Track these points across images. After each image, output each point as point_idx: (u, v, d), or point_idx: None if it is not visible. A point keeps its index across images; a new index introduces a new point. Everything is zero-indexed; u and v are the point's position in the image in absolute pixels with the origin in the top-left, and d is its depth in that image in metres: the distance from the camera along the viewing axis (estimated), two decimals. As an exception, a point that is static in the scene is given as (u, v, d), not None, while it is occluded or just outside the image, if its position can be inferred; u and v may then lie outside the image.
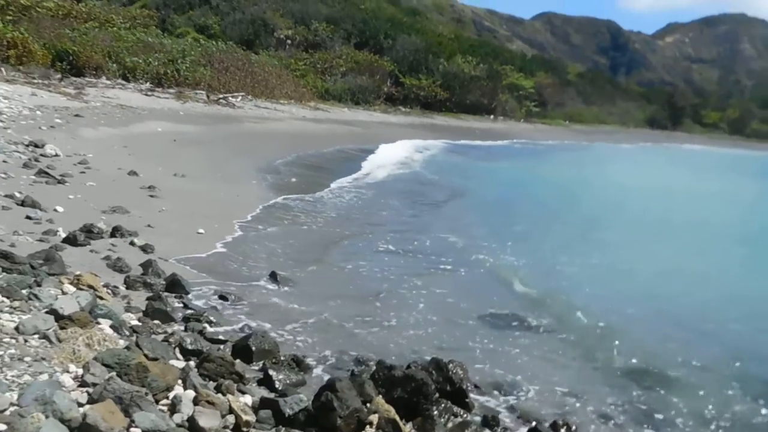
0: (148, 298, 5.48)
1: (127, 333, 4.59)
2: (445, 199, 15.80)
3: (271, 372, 4.34)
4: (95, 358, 3.81)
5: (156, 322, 5.01)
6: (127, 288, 5.70)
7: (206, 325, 5.11)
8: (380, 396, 4.18)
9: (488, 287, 8.07)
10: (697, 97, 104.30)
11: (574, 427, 4.42)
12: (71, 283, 5.10)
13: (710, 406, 5.24)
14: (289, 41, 53.87)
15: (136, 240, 7.27)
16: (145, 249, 7.11)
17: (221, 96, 30.29)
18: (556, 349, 6.14)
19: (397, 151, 25.12)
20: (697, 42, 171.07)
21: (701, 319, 7.74)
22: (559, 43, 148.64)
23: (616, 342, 6.45)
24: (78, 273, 5.45)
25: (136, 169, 11.78)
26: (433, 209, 14.24)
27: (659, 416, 4.98)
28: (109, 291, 5.39)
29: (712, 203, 21.17)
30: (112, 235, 7.35)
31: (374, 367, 4.77)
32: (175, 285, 5.94)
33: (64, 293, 4.89)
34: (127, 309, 5.13)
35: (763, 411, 5.34)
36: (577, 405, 4.94)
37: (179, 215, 9.24)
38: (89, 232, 7.11)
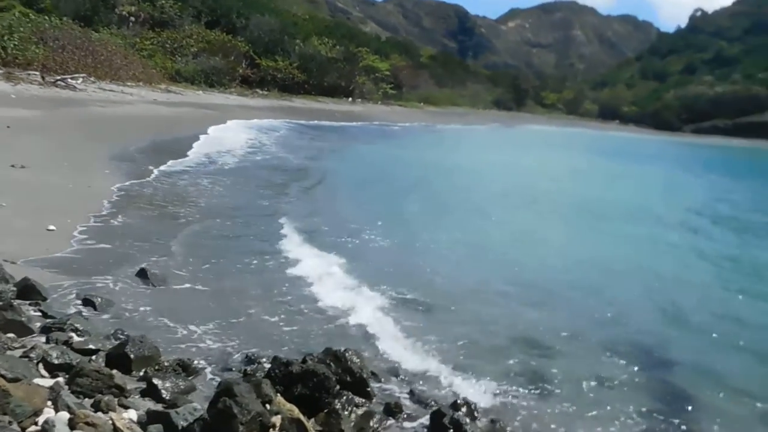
0: (-4, 309, 4.76)
1: (-25, 352, 3.93)
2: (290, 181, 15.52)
3: (155, 381, 3.94)
4: (-61, 387, 3.21)
5: (10, 335, 4.35)
6: (-33, 299, 4.91)
7: (72, 334, 4.54)
8: (279, 395, 3.97)
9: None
10: (538, 80, 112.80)
11: (473, 406, 4.50)
12: None
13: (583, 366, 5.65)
14: (132, 18, 49.92)
15: (-28, 242, 6.32)
16: (-16, 252, 6.19)
17: (59, 78, 27.43)
18: (433, 326, 6.27)
19: (242, 133, 24.34)
20: (536, 27, 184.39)
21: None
22: (410, 26, 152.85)
23: (492, 313, 6.75)
24: None
25: (-39, 160, 10.30)
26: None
27: (543, 382, 5.26)
28: (-55, 305, 4.60)
29: (567, 178, 23.08)
30: (-59, 237, 6.33)
31: (267, 365, 4.55)
32: (28, 291, 5.23)
33: None
34: (-30, 324, 4.41)
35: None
36: (472, 382, 5.07)
37: (23, 211, 8.18)
38: None
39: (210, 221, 9.67)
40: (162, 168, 14.08)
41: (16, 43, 28.96)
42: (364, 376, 4.45)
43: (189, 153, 16.97)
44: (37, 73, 27.20)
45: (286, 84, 52.11)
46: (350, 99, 58.34)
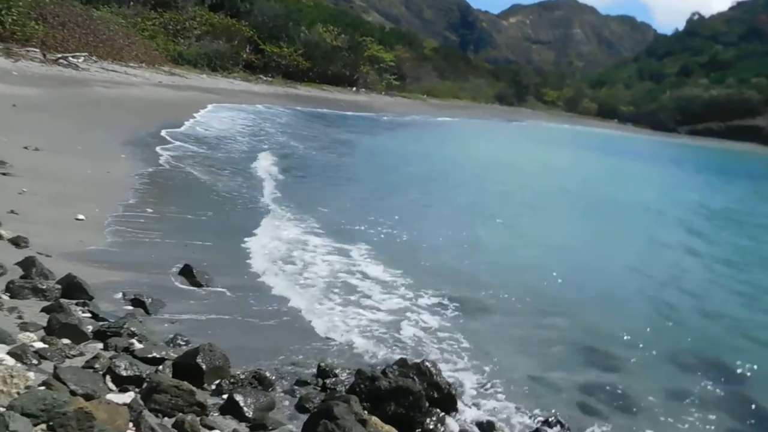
0: (45, 309, 4.34)
1: (35, 361, 3.52)
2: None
3: (236, 396, 3.55)
4: (10, 407, 2.81)
5: (66, 341, 3.94)
6: (11, 297, 4.48)
7: (133, 340, 4.13)
8: (368, 414, 3.60)
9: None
10: (538, 77, 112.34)
11: (566, 425, 4.16)
12: (-61, 297, 3.85)
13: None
14: (133, -2, 49.04)
15: (1, 231, 5.87)
16: (17, 242, 5.75)
17: (60, 56, 26.70)
18: (492, 334, 5.92)
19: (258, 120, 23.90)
20: (537, 24, 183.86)
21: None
22: (412, 18, 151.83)
23: (550, 319, 6.41)
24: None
25: (-27, 140, 9.79)
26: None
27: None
28: (-10, 303, 4.18)
29: (580, 177, 22.84)
30: (-31, 225, 5.88)
31: (344, 376, 4.18)
32: (74, 289, 4.81)
33: (-68, 312, 3.67)
34: (22, 326, 3.99)
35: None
36: (552, 398, 4.73)
37: (46, 198, 7.73)
38: (-62, 222, 5.61)
39: (238, 212, 9.25)
40: (177, 154, 13.62)
41: (15, 17, 28.10)
42: (453, 392, 4.10)
43: (205, 137, 16.53)
44: (37, 50, 26.43)
45: (290, 71, 51.37)
46: (354, 88, 57.68)
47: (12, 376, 3.13)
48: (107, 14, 38.97)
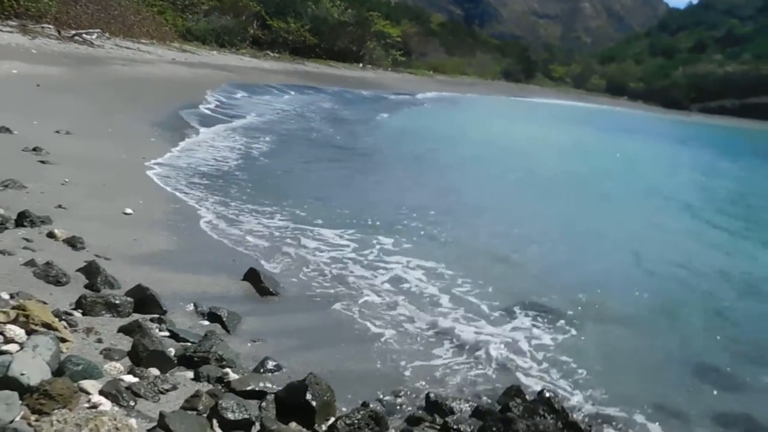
0: (122, 329, 3.89)
1: (131, 402, 3.06)
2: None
3: (361, 444, 3.09)
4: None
5: (154, 371, 3.49)
6: (84, 313, 4.02)
7: (227, 370, 3.67)
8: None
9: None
10: (546, 52, 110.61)
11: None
12: (13, 321, 3.39)
13: None
14: (141, -28, 47.90)
15: (56, 230, 5.40)
16: (73, 243, 5.28)
17: (75, 32, 26.00)
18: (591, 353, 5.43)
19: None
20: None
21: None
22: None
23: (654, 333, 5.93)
24: (11, 299, 3.73)
25: (4, 123, 9.27)
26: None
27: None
28: (65, 323, 3.72)
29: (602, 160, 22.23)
30: (19, 223, 5.39)
31: (464, 409, 3.74)
32: (147, 302, 4.35)
33: (8, 342, 3.20)
34: (106, 354, 3.53)
35: None
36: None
37: (90, 188, 7.24)
38: (-13, 223, 5.13)
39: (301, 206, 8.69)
40: (208, 138, 13.11)
41: (28, -7, 27.37)
42: (575, 419, 3.65)
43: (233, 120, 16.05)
44: (52, 26, 25.74)
45: (297, 47, 50.45)
46: (360, 65, 56.71)
47: (117, 429, 2.69)
48: (116, -11, 38.08)
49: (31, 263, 4.57)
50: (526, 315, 5.83)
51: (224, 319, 4.48)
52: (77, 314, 3.98)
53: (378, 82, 47.68)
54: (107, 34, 28.80)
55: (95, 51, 23.51)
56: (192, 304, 4.67)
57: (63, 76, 15.99)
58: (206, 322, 4.47)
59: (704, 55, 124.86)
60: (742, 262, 9.29)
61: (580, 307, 6.21)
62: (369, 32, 59.58)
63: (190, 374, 3.60)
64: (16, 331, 3.28)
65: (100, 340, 3.70)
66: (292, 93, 28.55)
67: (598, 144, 29.27)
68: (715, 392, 4.93)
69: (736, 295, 7.56)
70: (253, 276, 5.45)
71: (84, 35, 25.89)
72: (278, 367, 4.01)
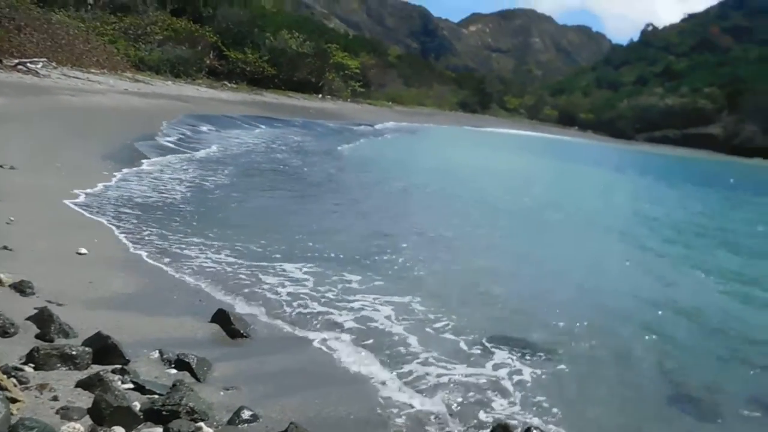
0: (81, 384, 3.51)
1: (93, 471, 2.71)
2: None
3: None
4: None
5: (118, 430, 3.13)
6: (35, 368, 3.62)
7: (201, 424, 3.34)
8: None
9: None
10: (501, 84, 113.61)
11: None
12: (-46, 383, 2.99)
13: None
14: (91, 1, 47.08)
15: (0, 275, 4.95)
16: (21, 289, 4.85)
17: (18, 61, 25.12)
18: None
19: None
20: (496, 33, 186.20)
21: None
22: (374, 24, 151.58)
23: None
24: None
25: (-60, 157, 8.71)
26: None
27: None
28: (14, 381, 3.33)
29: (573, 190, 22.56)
30: (-41, 268, 4.94)
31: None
32: (107, 352, 3.97)
33: (-52, 406, 2.81)
34: (63, 413, 3.16)
35: None
36: None
37: (37, 228, 6.78)
38: (-77, 267, 4.66)
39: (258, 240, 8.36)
40: (160, 168, 12.66)
41: (-32, 21, 26.46)
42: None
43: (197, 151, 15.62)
44: (-7, 56, 24.83)
45: (255, 77, 50.27)
46: (320, 95, 56.87)
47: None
48: (65, 18, 37.22)
49: (-28, 312, 4.13)
50: (501, 350, 5.64)
51: (193, 366, 4.13)
52: (28, 369, 3.58)
53: (339, 113, 47.79)
54: (54, 63, 27.99)
55: (41, 81, 22.71)
56: (157, 351, 4.30)
57: (6, 107, 15.26)
58: (174, 371, 4.11)
59: (646, 88, 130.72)
60: (714, 290, 9.36)
61: (556, 339, 6.07)
62: (328, 63, 60.00)
63: (159, 430, 3.26)
64: (-43, 393, 2.90)
65: (55, 398, 3.32)
66: (263, 127, 28.16)
67: (556, 174, 29.85)
68: (692, 422, 4.84)
69: (713, 321, 7.56)
70: (222, 317, 5.11)
71: (29, 64, 25.05)
72: (255, 417, 3.69)
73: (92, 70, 30.85)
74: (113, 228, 7.60)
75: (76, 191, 9.07)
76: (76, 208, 8.22)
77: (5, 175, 8.99)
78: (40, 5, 36.52)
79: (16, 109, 15.83)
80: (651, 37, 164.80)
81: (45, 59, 27.88)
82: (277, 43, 53.43)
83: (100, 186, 9.83)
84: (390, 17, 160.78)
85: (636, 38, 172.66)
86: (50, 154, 11.54)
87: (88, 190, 9.35)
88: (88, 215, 7.98)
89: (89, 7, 46.21)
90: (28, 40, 29.56)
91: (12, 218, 6.80)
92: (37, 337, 4.11)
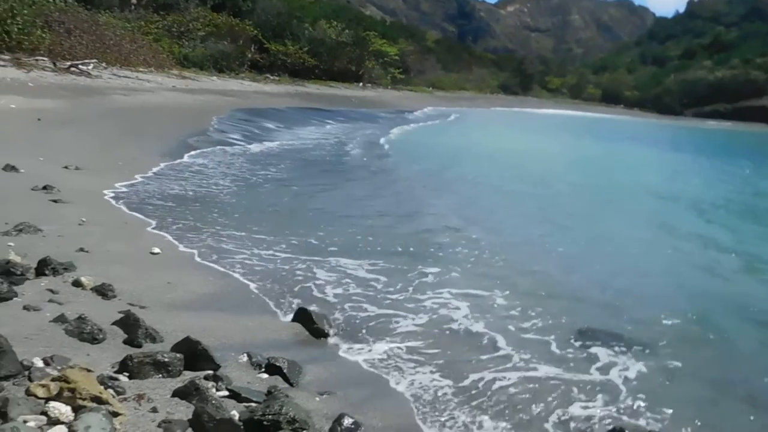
0: (177, 393, 3.35)
1: (207, 492, 2.53)
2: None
3: None
4: None
5: (223, 445, 2.96)
6: (130, 376, 3.49)
7: (306, 437, 3.14)
8: None
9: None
10: (541, 65, 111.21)
11: None
12: (57, 397, 2.86)
13: None
14: (134, 1, 47.89)
15: (82, 278, 4.87)
16: (103, 292, 4.76)
17: (70, 63, 25.65)
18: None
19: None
20: (534, 12, 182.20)
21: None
22: (409, 10, 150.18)
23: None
24: (47, 366, 3.20)
25: (9, 161, 8.78)
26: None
27: None
28: (112, 392, 3.19)
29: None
30: (40, 272, 4.87)
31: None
32: (198, 357, 3.82)
33: (53, 423, 2.67)
34: (165, 427, 3.00)
35: None
36: None
37: (109, 228, 6.74)
38: (7, 273, 4.60)
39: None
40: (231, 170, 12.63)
41: (20, 26, 27.04)
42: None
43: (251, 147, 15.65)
44: (46, 59, 25.40)
45: (296, 69, 50.36)
46: (360, 84, 56.69)
47: None
48: (111, 19, 37.91)
49: (61, 319, 4.03)
50: (598, 346, 5.29)
51: (285, 370, 3.95)
52: (123, 378, 3.44)
53: (380, 101, 47.53)
54: (104, 64, 28.52)
55: (93, 81, 23.13)
56: (245, 355, 4.13)
57: (63, 109, 15.53)
58: (265, 375, 3.94)
59: (694, 61, 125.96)
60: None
61: (654, 331, 5.68)
62: (367, 51, 59.74)
63: (263, 445, 3.07)
64: (62, 410, 2.77)
65: (154, 409, 3.17)
66: (330, 122, 28.07)
67: (612, 155, 29.01)
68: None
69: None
70: (303, 316, 4.92)
71: (80, 66, 25.55)
72: (357, 425, 3.48)
73: (140, 69, 31.33)
74: (180, 224, 7.53)
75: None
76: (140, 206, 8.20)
77: (71, 177, 9.06)
78: (87, 7, 37.38)
79: (72, 110, 16.12)
80: (697, 7, 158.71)
81: (95, 60, 28.43)
82: (316, 33, 53.42)
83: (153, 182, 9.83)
84: (425, 2, 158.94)
85: (681, 10, 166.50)
86: (110, 153, 11.67)
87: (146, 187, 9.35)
88: (152, 214, 7.94)
89: (133, 7, 47.06)
90: (78, 42, 30.21)
91: (84, 219, 6.79)
92: (125, 342, 4.00)
